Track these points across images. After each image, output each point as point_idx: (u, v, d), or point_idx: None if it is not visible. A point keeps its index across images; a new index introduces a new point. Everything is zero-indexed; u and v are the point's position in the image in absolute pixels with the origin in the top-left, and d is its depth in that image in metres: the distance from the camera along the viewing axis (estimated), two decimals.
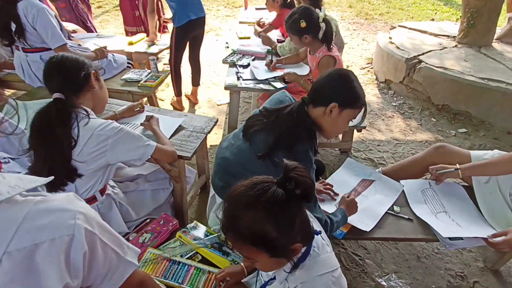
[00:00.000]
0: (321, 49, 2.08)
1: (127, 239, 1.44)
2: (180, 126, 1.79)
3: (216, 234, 1.46)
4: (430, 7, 7.00)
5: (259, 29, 3.14)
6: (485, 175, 1.49)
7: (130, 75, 2.49)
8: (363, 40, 5.26)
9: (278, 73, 2.31)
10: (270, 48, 2.71)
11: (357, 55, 4.65)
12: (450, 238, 1.37)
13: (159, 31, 3.85)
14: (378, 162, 2.55)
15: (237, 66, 2.48)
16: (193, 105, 3.30)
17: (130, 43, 3.04)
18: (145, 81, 2.42)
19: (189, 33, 2.80)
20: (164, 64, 4.02)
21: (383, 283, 1.71)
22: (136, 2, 3.67)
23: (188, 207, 1.93)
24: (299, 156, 1.17)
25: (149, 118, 1.68)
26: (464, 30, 3.47)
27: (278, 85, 2.19)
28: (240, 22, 3.52)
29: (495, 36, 3.59)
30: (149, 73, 2.55)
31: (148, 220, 1.57)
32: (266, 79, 2.25)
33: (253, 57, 2.64)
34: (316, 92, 1.24)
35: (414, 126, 3.02)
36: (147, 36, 3.82)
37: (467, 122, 3.02)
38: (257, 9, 3.96)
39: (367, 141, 2.79)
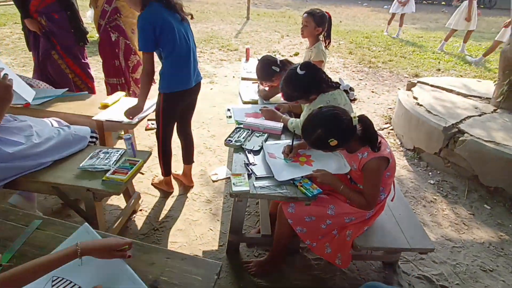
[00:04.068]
0: (364, 148, 1.47)
1: None
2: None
3: None
4: (431, 56, 6.76)
5: (264, 90, 2.52)
6: None
7: (93, 160, 1.75)
8: (372, 92, 4.79)
9: (306, 169, 1.63)
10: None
11: (370, 111, 4.11)
12: None
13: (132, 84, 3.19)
14: (438, 283, 1.84)
15: (246, 151, 1.79)
16: (185, 188, 2.52)
17: (104, 107, 2.34)
18: (114, 172, 1.68)
19: (182, 101, 2.12)
20: (148, 121, 3.32)
21: None
22: (117, 50, 3.04)
23: None
24: None
25: None
26: (505, 93, 2.98)
27: (310, 190, 1.50)
28: (243, 79, 2.90)
29: None
30: (120, 155, 1.82)
31: None
32: (292, 180, 1.56)
33: (265, 135, 1.96)
34: None
35: (466, 217, 2.37)
36: (127, 92, 3.16)
37: None
38: None
39: None
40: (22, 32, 2.97)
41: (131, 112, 2.08)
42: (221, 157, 2.94)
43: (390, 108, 4.19)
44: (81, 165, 1.69)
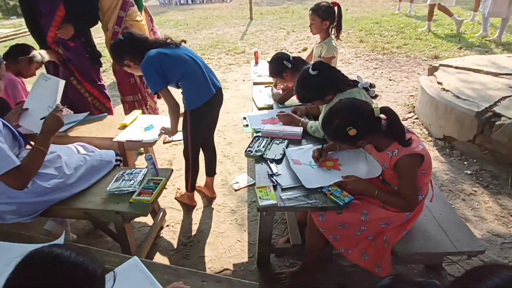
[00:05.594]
0: (394, 145, 1.36)
1: None
2: None
3: None
4: (450, 33, 6.39)
5: (278, 93, 2.42)
6: None
7: (118, 182, 1.72)
8: (390, 80, 4.58)
9: (335, 174, 1.52)
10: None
11: (390, 100, 3.92)
12: None
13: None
14: None
15: (268, 161, 1.70)
16: (208, 199, 2.47)
17: (123, 127, 2.31)
18: (140, 194, 1.64)
19: (209, 114, 2.12)
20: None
21: None
22: None
23: None
24: None
25: None
26: None
27: (341, 198, 1.39)
28: (254, 83, 2.81)
29: None
30: (143, 175, 1.79)
31: None
32: (321, 188, 1.46)
33: (285, 141, 1.87)
34: None
35: None
36: (145, 107, 3.14)
37: None
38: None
39: None
40: None
41: (165, 132, 2.15)
42: (241, 165, 2.87)
43: (411, 96, 3.99)
44: (107, 188, 1.69)
